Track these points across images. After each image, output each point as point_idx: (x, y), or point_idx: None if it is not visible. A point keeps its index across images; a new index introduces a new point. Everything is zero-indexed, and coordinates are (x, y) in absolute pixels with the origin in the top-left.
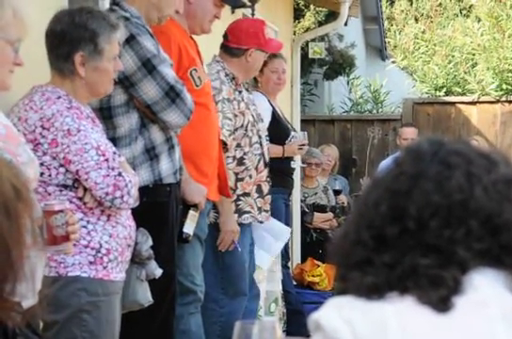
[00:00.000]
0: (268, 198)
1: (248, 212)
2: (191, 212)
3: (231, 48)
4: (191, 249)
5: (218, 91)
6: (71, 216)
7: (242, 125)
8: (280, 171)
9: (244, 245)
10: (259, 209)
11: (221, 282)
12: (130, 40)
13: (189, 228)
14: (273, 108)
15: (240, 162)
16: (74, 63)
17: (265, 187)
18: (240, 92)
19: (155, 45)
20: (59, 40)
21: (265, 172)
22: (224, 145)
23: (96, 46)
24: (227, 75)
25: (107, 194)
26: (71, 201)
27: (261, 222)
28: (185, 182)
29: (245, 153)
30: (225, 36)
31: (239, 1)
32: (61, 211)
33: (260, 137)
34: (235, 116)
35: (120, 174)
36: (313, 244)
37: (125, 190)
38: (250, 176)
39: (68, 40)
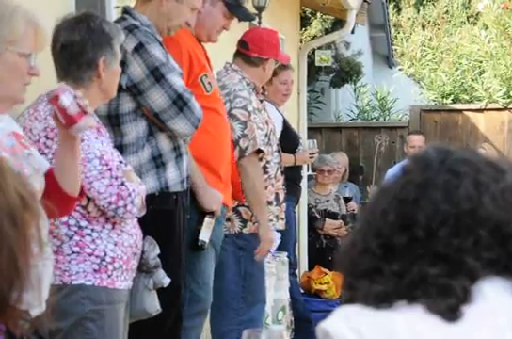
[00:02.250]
0: (284, 206)
1: (270, 220)
2: (207, 219)
3: (250, 57)
4: (204, 256)
5: (249, 102)
6: (75, 92)
7: (266, 134)
8: (289, 180)
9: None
10: (276, 217)
11: (243, 290)
12: (139, 49)
13: (205, 235)
14: (282, 116)
15: (264, 171)
16: (98, 68)
17: (282, 195)
18: (261, 101)
19: (164, 54)
20: (81, 48)
21: (282, 180)
22: (259, 152)
23: (112, 49)
24: (248, 84)
25: (110, 203)
26: (75, 210)
27: (277, 231)
28: (203, 189)
29: (267, 162)
30: (244, 44)
31: (248, 15)
32: (64, 92)
33: (278, 145)
34: (263, 125)
35: (123, 183)
36: (323, 250)
37: (128, 199)
38: (272, 185)
39: (90, 47)
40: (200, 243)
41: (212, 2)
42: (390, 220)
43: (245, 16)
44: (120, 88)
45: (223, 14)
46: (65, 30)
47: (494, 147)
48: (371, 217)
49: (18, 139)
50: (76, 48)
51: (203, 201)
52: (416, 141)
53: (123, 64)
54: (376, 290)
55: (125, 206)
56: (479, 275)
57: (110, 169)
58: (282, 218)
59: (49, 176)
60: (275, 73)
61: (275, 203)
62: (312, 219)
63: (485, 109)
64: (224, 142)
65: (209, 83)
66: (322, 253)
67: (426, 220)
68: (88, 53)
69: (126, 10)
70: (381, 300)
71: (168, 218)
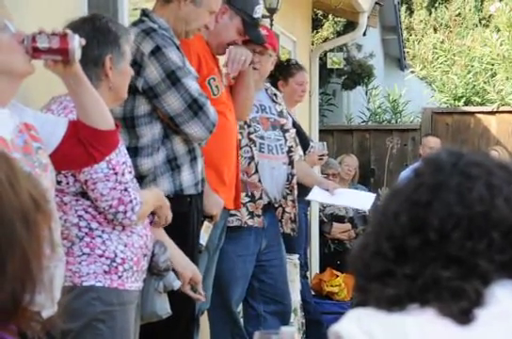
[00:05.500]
0: (260, 202)
1: (234, 215)
2: (206, 223)
3: None
4: (199, 260)
5: None
6: (39, 30)
7: None
8: (300, 183)
9: (235, 250)
10: (250, 213)
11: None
12: (155, 52)
13: (203, 239)
14: (292, 119)
15: None
16: (105, 67)
17: (257, 192)
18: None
19: (181, 57)
20: (87, 46)
21: (257, 176)
22: None
23: (119, 48)
24: None
25: (111, 207)
26: (86, 211)
27: (253, 227)
28: (206, 193)
29: None
30: None
31: (260, 37)
32: (35, 37)
33: (251, 140)
34: None
35: (126, 189)
36: (332, 255)
37: (129, 206)
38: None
39: (95, 44)
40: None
41: (231, 15)
42: (402, 223)
43: (256, 38)
44: (136, 91)
45: (237, 30)
46: (70, 30)
47: (505, 149)
48: (383, 220)
49: (28, 131)
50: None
51: (205, 205)
52: (433, 143)
53: (140, 67)
54: (389, 293)
55: (125, 212)
56: (492, 278)
57: (116, 174)
58: (258, 215)
59: (78, 125)
60: (292, 74)
61: (247, 199)
62: (319, 224)
63: (497, 112)
64: (230, 146)
65: (216, 86)
66: (330, 258)
67: (439, 223)
68: (94, 51)
69: (145, 13)
70: (393, 304)
71: (182, 221)
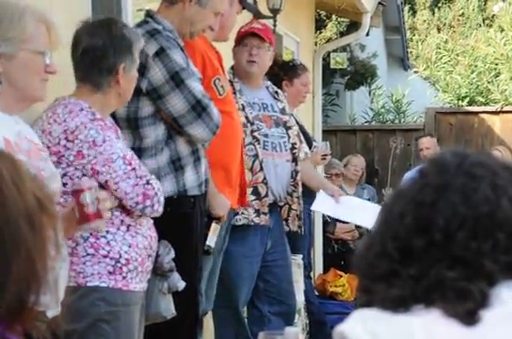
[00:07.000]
0: (266, 200)
1: (241, 213)
2: (214, 225)
3: None
4: (205, 261)
5: None
6: (99, 193)
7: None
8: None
9: (242, 251)
10: (257, 211)
11: (218, 290)
12: (160, 53)
13: (211, 240)
14: (294, 119)
15: None
16: (118, 75)
17: (263, 190)
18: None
19: (185, 59)
20: (103, 54)
21: (262, 174)
22: None
23: (132, 56)
24: None
25: (137, 203)
26: None
27: (259, 226)
28: (212, 195)
29: None
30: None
31: (252, 7)
32: (90, 188)
33: (255, 138)
34: None
35: (148, 183)
36: (335, 255)
37: (155, 199)
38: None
39: (112, 53)
40: (206, 248)
41: (230, 2)
42: (407, 223)
43: (248, 5)
44: (139, 92)
45: (237, 11)
46: (86, 34)
47: (509, 149)
48: (388, 220)
49: (35, 145)
50: (98, 53)
51: (212, 206)
52: (424, 144)
53: (144, 68)
54: (393, 294)
55: (152, 206)
56: (497, 279)
57: (134, 169)
58: (265, 213)
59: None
60: (297, 75)
61: (253, 197)
62: (323, 224)
63: (500, 111)
64: (236, 146)
65: (222, 86)
66: (334, 258)
67: (444, 223)
68: (110, 59)
69: (149, 14)
70: (398, 304)
71: (186, 221)
